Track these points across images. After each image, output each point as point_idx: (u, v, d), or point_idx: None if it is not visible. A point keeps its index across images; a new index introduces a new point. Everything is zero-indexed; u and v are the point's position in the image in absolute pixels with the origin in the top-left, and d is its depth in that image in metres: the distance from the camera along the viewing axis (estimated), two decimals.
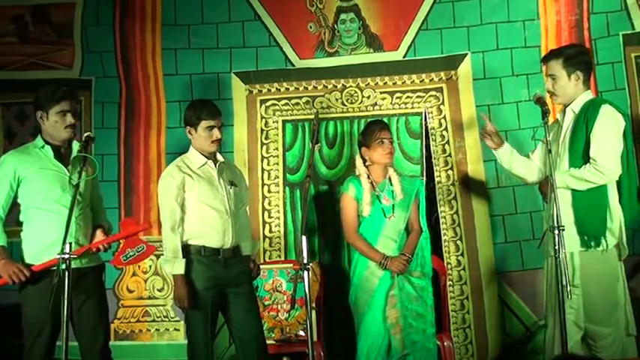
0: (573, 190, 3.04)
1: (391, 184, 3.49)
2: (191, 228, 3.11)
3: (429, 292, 3.42)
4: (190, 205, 3.12)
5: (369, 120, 3.99)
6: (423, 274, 3.43)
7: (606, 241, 3.00)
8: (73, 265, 2.81)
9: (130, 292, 3.97)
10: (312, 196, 3.99)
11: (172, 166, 3.19)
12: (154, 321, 3.94)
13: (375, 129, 3.50)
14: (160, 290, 3.97)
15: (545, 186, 3.12)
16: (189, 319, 3.12)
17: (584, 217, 3.02)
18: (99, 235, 3.10)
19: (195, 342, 3.10)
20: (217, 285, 3.11)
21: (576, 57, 3.14)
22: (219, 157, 3.23)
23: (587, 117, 3.05)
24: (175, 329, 3.94)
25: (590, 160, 3.00)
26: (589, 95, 3.16)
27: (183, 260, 3.05)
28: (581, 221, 3.02)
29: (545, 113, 2.99)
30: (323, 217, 4.03)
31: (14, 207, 3.07)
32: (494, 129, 3.38)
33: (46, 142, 3.05)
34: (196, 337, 3.09)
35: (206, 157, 3.18)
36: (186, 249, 3.09)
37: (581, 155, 3.04)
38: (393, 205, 3.45)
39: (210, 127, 3.14)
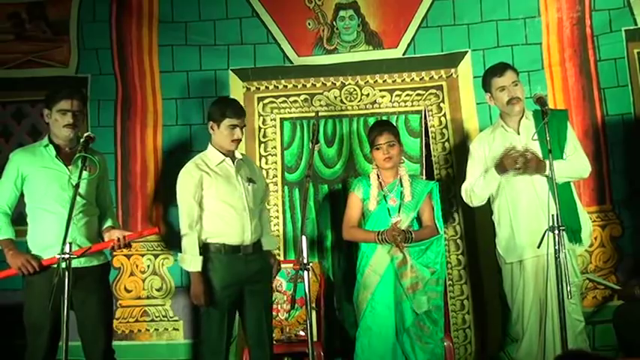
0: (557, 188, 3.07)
1: (401, 186, 3.46)
2: (209, 227, 3.13)
3: (441, 293, 3.39)
4: (208, 203, 3.14)
5: (368, 118, 3.98)
6: (427, 266, 3.37)
7: (581, 237, 3.18)
8: (74, 264, 2.83)
9: (128, 291, 3.95)
10: (312, 196, 3.96)
11: (191, 163, 3.20)
12: (152, 321, 3.93)
13: (372, 134, 3.50)
14: (158, 290, 3.95)
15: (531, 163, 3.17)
16: (205, 317, 3.12)
17: (565, 214, 3.04)
18: (114, 232, 3.11)
19: (208, 341, 3.11)
20: (236, 283, 3.12)
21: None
22: (237, 154, 3.25)
23: (557, 123, 3.18)
24: (174, 329, 3.92)
25: (577, 156, 3.24)
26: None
27: (200, 257, 3.07)
28: (563, 218, 3.02)
29: (545, 113, 3.02)
30: (322, 216, 4.00)
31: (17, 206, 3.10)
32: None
33: (51, 141, 3.09)
34: (210, 336, 3.10)
35: (224, 154, 3.20)
36: (205, 248, 3.11)
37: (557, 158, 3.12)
38: (400, 206, 3.43)
39: (233, 126, 3.16)
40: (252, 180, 3.24)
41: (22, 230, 3.15)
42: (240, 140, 3.22)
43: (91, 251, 3.03)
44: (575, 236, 3.15)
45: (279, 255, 3.95)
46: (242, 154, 3.32)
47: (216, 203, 3.13)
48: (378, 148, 3.44)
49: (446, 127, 3.99)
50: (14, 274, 2.98)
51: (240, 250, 3.13)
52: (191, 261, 3.08)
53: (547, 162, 3.02)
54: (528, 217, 3.17)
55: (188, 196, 3.13)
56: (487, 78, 3.33)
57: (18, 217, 3.14)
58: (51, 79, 3.98)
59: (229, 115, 3.16)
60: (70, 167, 3.05)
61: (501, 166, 3.19)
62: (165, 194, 4.02)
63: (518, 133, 3.28)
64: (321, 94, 4.05)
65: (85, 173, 2.98)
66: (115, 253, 3.80)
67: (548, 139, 2.99)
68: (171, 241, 3.94)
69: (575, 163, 3.20)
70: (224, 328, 3.10)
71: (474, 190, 3.33)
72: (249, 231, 3.14)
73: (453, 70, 3.98)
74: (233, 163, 3.21)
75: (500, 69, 3.29)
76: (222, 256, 3.11)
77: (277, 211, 3.99)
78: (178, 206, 3.18)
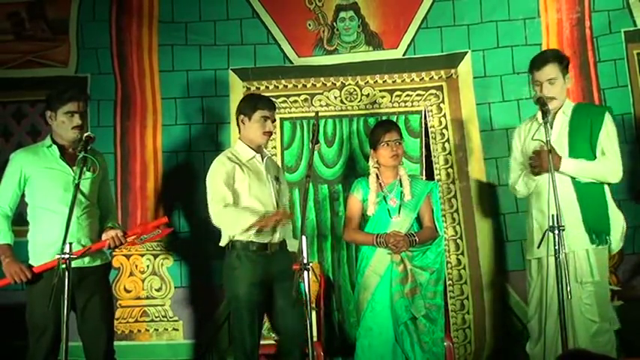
0: (577, 188, 3.07)
1: (401, 186, 3.45)
2: None
3: (440, 293, 3.39)
4: (239, 198, 3.11)
5: (368, 119, 3.98)
6: (427, 267, 3.37)
7: (610, 239, 3.11)
8: (78, 264, 2.84)
9: (128, 292, 3.94)
10: (311, 196, 3.95)
11: (222, 155, 3.20)
12: (152, 321, 3.92)
13: (379, 131, 3.47)
14: (157, 290, 3.94)
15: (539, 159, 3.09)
16: (234, 317, 3.11)
17: (590, 216, 3.06)
18: (109, 231, 3.10)
19: (240, 340, 3.08)
20: (264, 280, 3.10)
21: (565, 59, 3.21)
22: (265, 152, 3.25)
23: (590, 120, 3.11)
24: (174, 329, 3.91)
25: (606, 159, 3.11)
26: (569, 99, 3.24)
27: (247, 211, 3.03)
28: (587, 219, 3.06)
29: (545, 113, 3.01)
30: (322, 216, 4.00)
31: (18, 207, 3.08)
32: None
33: (54, 142, 3.07)
34: (241, 335, 3.07)
35: (254, 150, 3.19)
36: (233, 245, 3.10)
37: (583, 157, 3.07)
38: (400, 206, 3.43)
39: (265, 118, 3.17)
40: (279, 179, 3.24)
41: (20, 230, 3.13)
42: (272, 133, 3.23)
43: (84, 252, 3.00)
44: (599, 238, 3.08)
45: None
46: (269, 153, 3.33)
47: (247, 199, 3.11)
48: (386, 145, 3.41)
49: (446, 127, 3.99)
50: (8, 283, 2.97)
51: (267, 248, 3.13)
52: (242, 220, 3.01)
53: (564, 159, 3.00)
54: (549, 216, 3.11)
55: (219, 182, 3.09)
56: (530, 68, 3.23)
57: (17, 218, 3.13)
58: (51, 79, 3.97)
59: (261, 106, 3.17)
60: (74, 168, 3.02)
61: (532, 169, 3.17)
62: (164, 194, 4.02)
63: (551, 127, 3.15)
64: (321, 94, 4.05)
65: (87, 173, 2.98)
66: (114, 253, 3.80)
67: (548, 139, 2.96)
68: (171, 242, 3.94)
69: (600, 166, 3.11)
70: (255, 326, 3.08)
71: (516, 188, 3.30)
72: (278, 230, 3.13)
73: (453, 71, 3.99)
74: (262, 160, 3.21)
75: (540, 62, 3.17)
76: (250, 254, 3.10)
77: None
78: (208, 194, 3.14)
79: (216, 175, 3.12)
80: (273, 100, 3.99)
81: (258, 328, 3.13)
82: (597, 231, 3.08)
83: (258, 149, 3.22)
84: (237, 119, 3.26)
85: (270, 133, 3.21)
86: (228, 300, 3.32)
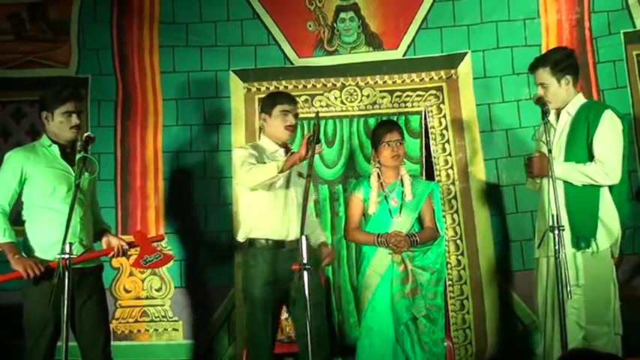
0: (567, 191, 3.03)
1: (402, 186, 3.45)
2: (255, 220, 3.09)
3: (441, 293, 3.38)
4: (260, 192, 3.06)
5: (368, 119, 3.99)
6: (427, 268, 3.36)
7: (596, 244, 3.01)
8: (79, 264, 2.83)
9: (127, 292, 3.94)
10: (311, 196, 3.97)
11: (245, 145, 3.23)
12: (152, 321, 3.92)
13: (381, 131, 3.46)
14: (157, 290, 3.94)
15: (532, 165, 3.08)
16: (248, 317, 3.09)
17: (576, 219, 3.02)
18: (113, 239, 3.10)
19: (255, 339, 3.05)
20: (281, 280, 3.05)
21: (563, 61, 3.10)
22: (290, 148, 3.25)
23: (587, 120, 3.05)
24: (174, 329, 3.91)
25: (596, 161, 3.00)
26: (581, 97, 3.16)
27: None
28: (573, 222, 3.01)
29: (545, 113, 2.98)
30: (322, 216, 4.00)
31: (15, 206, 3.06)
32: None
33: (53, 142, 3.06)
34: (254, 335, 3.05)
35: (279, 145, 3.19)
36: (250, 243, 3.09)
37: (579, 157, 3.04)
38: (401, 206, 3.42)
39: (285, 112, 3.15)
40: (302, 175, 3.18)
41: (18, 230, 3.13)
42: (294, 126, 3.19)
43: (89, 257, 3.02)
44: (585, 242, 3.00)
45: None
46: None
47: (267, 194, 3.06)
48: (388, 145, 3.39)
49: (446, 128, 4.00)
50: (19, 276, 2.94)
51: (284, 245, 3.09)
52: (268, 167, 2.98)
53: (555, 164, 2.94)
54: (544, 217, 3.07)
55: (245, 153, 3.06)
56: None
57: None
58: (51, 80, 3.96)
59: (280, 101, 3.17)
60: (74, 167, 3.01)
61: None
62: (164, 194, 4.02)
63: (556, 127, 3.14)
64: (322, 94, 4.06)
65: (86, 174, 2.96)
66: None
67: (548, 139, 2.96)
68: (172, 242, 3.94)
69: (588, 169, 3.00)
70: (268, 325, 3.04)
71: (527, 186, 3.32)
72: (296, 226, 3.07)
73: (452, 71, 3.99)
74: (286, 154, 3.18)
75: (532, 66, 3.13)
76: (265, 252, 3.07)
77: None
78: (235, 167, 3.11)
79: (242, 152, 3.09)
80: None
81: (273, 327, 3.09)
82: (582, 235, 3.01)
83: (283, 144, 3.21)
84: (260, 120, 3.26)
85: (292, 127, 3.17)
86: (243, 298, 3.29)
